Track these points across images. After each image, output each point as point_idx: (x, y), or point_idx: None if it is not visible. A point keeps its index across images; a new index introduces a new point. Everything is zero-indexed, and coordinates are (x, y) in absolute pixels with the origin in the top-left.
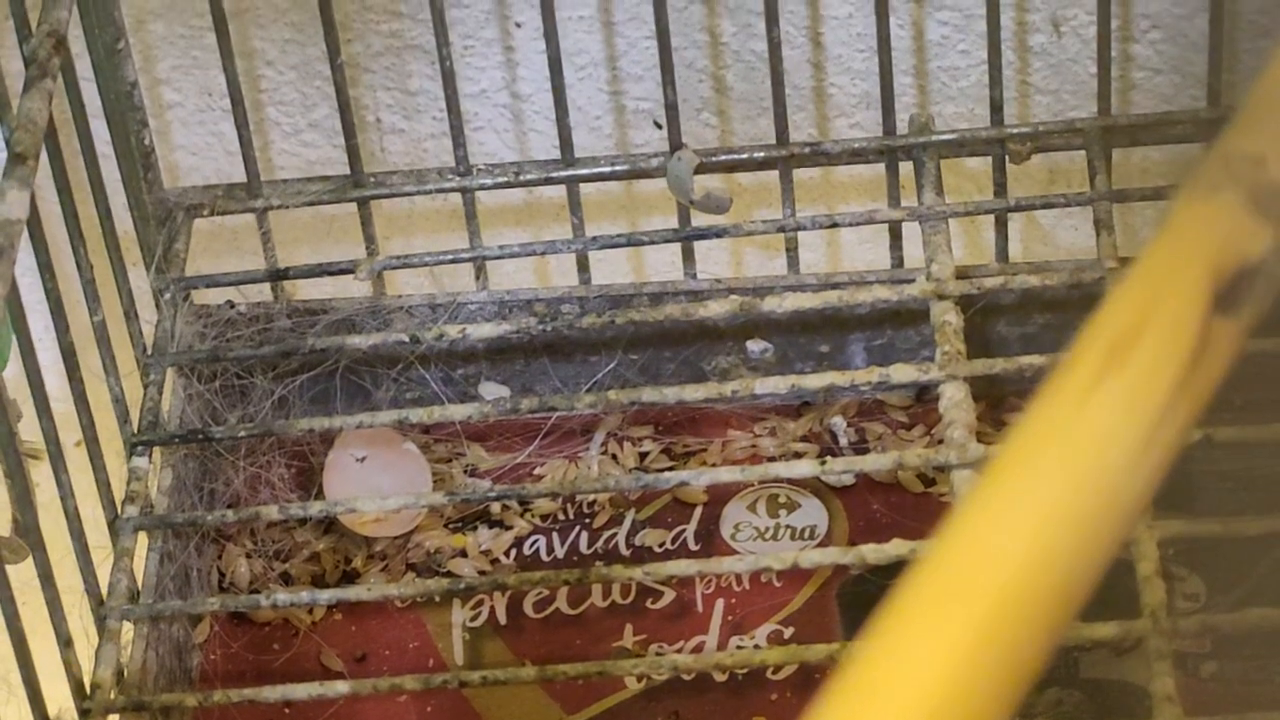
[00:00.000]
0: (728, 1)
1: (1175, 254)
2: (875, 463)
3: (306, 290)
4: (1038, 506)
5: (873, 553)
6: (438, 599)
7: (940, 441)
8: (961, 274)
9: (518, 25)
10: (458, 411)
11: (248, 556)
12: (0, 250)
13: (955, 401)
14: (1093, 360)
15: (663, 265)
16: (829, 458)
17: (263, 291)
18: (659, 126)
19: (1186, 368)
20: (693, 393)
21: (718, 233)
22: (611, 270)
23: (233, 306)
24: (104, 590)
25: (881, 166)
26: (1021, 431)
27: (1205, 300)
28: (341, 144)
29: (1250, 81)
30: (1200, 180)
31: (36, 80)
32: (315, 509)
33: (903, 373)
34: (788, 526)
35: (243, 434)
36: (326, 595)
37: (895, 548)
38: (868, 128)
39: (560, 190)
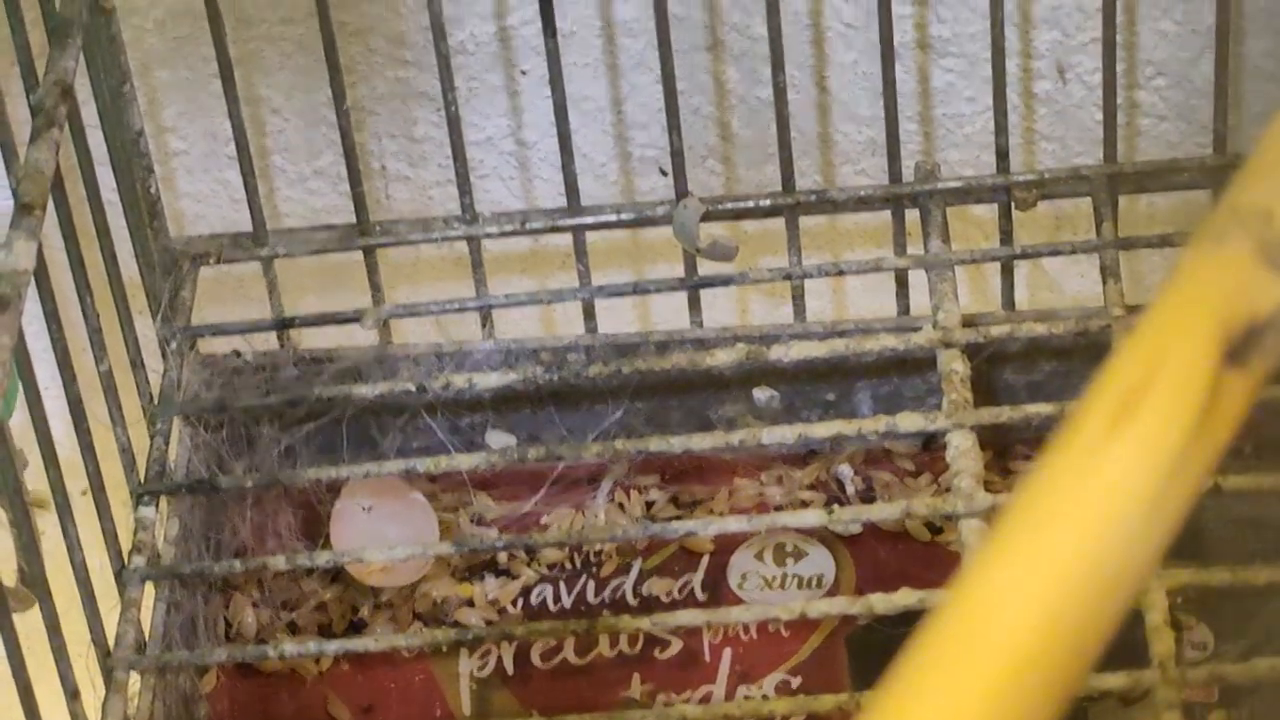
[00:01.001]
0: (733, 48)
1: (1184, 307)
2: (883, 512)
3: (312, 338)
4: (1051, 561)
5: (883, 602)
6: (445, 649)
7: (948, 490)
8: (968, 322)
9: (523, 72)
10: (466, 461)
11: (254, 606)
12: (7, 301)
13: (963, 450)
14: (1104, 413)
15: (667, 311)
16: (836, 506)
17: (268, 340)
18: (664, 173)
19: (1197, 421)
20: (701, 441)
21: (724, 281)
22: (615, 316)
23: (239, 355)
24: (110, 641)
25: (887, 212)
26: (1033, 484)
27: (1215, 354)
28: (346, 191)
29: (1256, 128)
30: (1209, 232)
31: (44, 130)
32: (323, 558)
33: (910, 421)
34: (795, 575)
35: (251, 484)
36: (335, 645)
37: (906, 597)
38: (873, 174)
39: (565, 237)
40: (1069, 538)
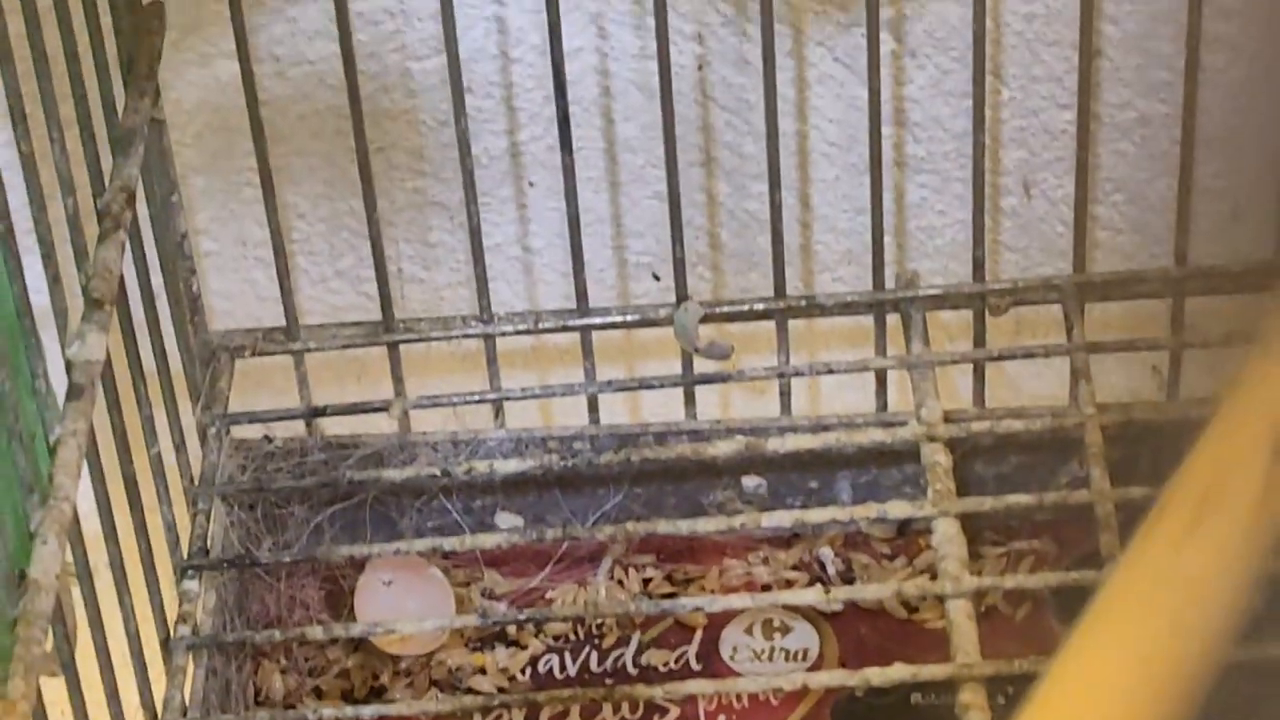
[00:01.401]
0: (725, 165)
1: (1244, 416)
2: (877, 591)
3: (336, 425)
4: (1145, 645)
5: (878, 675)
6: (459, 714)
7: (924, 572)
8: (949, 418)
9: (531, 184)
10: (486, 540)
11: (282, 672)
12: (82, 389)
13: (948, 536)
14: (1185, 510)
15: (655, 403)
16: (832, 587)
17: (292, 426)
18: (657, 279)
19: (1258, 512)
20: (705, 525)
21: (722, 378)
22: (610, 406)
23: (270, 441)
24: (158, 705)
25: (861, 315)
26: (1123, 575)
27: (1269, 456)
28: (365, 290)
29: (1207, 243)
30: (1261, 347)
31: (111, 232)
32: (356, 630)
33: (898, 509)
34: (782, 649)
35: (287, 559)
36: (370, 711)
37: (899, 671)
38: (849, 281)
39: (564, 335)
40: (1159, 624)
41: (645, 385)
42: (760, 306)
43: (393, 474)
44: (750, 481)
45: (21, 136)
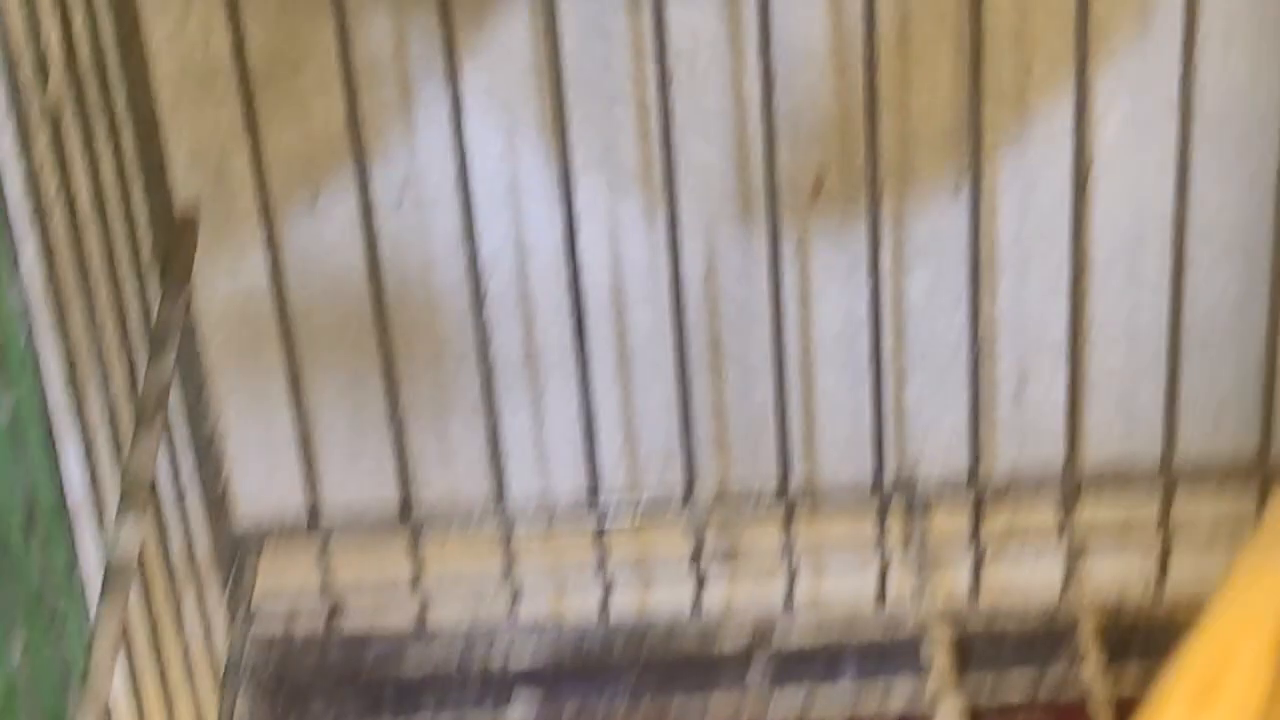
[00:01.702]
0: (734, 355)
1: (1245, 610)
2: None
3: (357, 609)
4: None
5: None
6: None
7: None
8: (948, 609)
9: (547, 381)
10: None
11: None
12: (117, 580)
13: None
14: (1182, 703)
15: (665, 584)
16: None
17: (315, 615)
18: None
19: (1263, 710)
20: (713, 712)
21: (729, 564)
22: (622, 587)
23: (293, 636)
24: None
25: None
26: None
27: (1275, 652)
28: (385, 481)
29: (1192, 441)
30: (1260, 543)
31: (147, 427)
32: None
33: (900, 696)
34: None
35: None
36: None
37: None
38: (853, 468)
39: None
40: None
41: (656, 568)
42: (766, 498)
43: (411, 665)
44: (757, 670)
45: (60, 334)
